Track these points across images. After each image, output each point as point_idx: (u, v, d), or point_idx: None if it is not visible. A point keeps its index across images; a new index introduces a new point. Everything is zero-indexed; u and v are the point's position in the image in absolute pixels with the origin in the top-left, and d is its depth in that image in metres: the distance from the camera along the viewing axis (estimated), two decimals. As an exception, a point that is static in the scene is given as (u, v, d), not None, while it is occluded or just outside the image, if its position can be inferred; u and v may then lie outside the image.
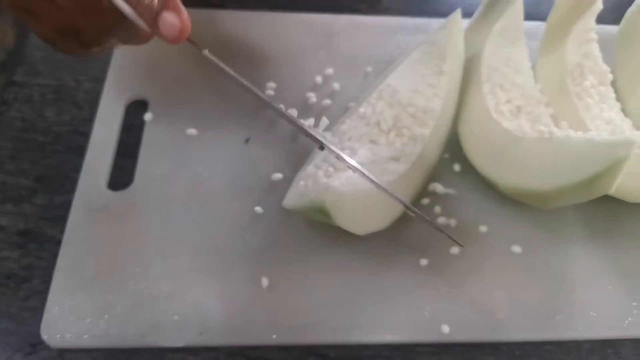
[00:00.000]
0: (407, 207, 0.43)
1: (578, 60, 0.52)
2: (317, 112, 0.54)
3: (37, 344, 0.41)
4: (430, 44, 0.50)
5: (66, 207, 0.46)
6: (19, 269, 0.45)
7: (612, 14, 0.59)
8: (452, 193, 0.49)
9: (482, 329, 0.43)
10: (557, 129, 0.46)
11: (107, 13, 0.36)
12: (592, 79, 0.51)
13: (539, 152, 0.44)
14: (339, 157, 0.41)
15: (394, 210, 0.44)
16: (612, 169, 0.39)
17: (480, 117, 0.48)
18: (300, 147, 0.50)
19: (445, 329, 0.42)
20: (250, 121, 0.52)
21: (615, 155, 0.38)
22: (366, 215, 0.43)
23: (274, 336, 0.41)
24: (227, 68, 0.39)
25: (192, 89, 0.53)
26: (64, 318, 0.41)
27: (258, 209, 0.47)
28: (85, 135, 0.50)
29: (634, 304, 0.45)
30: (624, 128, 0.49)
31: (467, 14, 0.52)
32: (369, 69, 0.56)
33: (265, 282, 0.43)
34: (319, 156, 0.47)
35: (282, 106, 0.41)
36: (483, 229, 0.47)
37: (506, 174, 0.46)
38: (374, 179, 0.41)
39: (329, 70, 0.56)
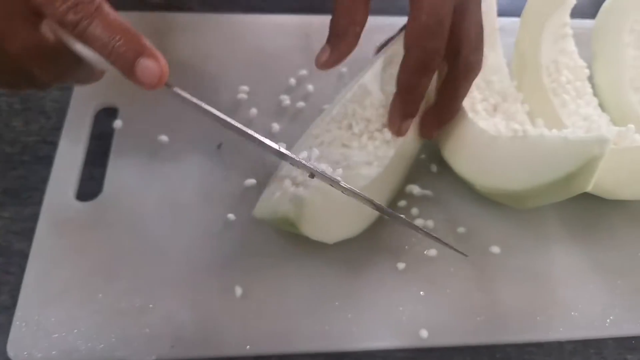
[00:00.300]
0: (409, 224, 0.43)
1: (553, 56, 0.52)
2: (291, 115, 0.53)
3: (4, 362, 0.40)
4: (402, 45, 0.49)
5: (34, 219, 0.45)
6: (-15, 285, 0.43)
7: (591, 9, 0.59)
8: (429, 194, 0.48)
9: (461, 333, 0.42)
10: (532, 128, 0.45)
11: (63, 59, 0.35)
12: (568, 75, 0.51)
13: (514, 151, 0.43)
14: (333, 184, 0.40)
15: (367, 217, 0.44)
16: (587, 167, 0.38)
17: (456, 117, 0.47)
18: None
19: (424, 333, 0.41)
20: (222, 126, 0.51)
21: (589, 154, 0.38)
22: (337, 224, 0.42)
23: (248, 347, 0.40)
24: (201, 104, 0.38)
25: (161, 92, 0.52)
26: (31, 334, 0.39)
27: (231, 216, 0.46)
28: (54, 144, 0.49)
29: (616, 302, 0.44)
30: (601, 124, 0.48)
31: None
32: (344, 69, 0.55)
33: (238, 290, 0.42)
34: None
35: (280, 146, 0.40)
36: (461, 230, 0.47)
37: (483, 175, 0.45)
38: (371, 203, 0.40)
39: (303, 72, 0.55)
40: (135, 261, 0.43)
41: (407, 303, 0.43)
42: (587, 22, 0.57)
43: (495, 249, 0.46)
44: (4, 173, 0.48)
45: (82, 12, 0.32)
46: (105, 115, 0.51)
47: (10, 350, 0.39)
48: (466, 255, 0.43)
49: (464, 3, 0.42)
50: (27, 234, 0.44)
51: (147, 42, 0.34)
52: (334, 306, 0.42)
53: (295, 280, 0.43)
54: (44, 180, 0.47)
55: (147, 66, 0.34)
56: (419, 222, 0.47)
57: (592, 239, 0.47)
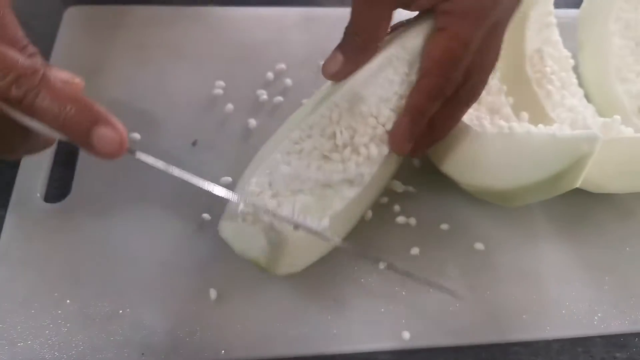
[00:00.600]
0: (399, 270, 0.41)
1: (537, 45, 0.50)
2: (269, 110, 0.51)
3: (-33, 373, 0.38)
4: (402, 47, 0.43)
5: (0, 222, 0.43)
6: (-51, 292, 0.42)
7: (574, -1, 0.58)
8: (411, 191, 0.47)
9: (444, 333, 0.41)
10: (518, 124, 0.43)
11: (10, 134, 0.32)
12: (553, 65, 0.50)
13: (500, 148, 0.41)
14: (317, 236, 0.39)
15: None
16: (576, 165, 0.37)
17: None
18: (251, 148, 0.47)
19: (406, 335, 0.40)
20: (197, 123, 0.49)
21: (579, 152, 0.36)
22: (311, 257, 0.41)
23: (223, 352, 0.39)
24: (170, 168, 0.36)
25: (134, 89, 0.50)
26: (-5, 343, 0.38)
27: (205, 215, 0.44)
28: (21, 144, 0.47)
29: (603, 298, 0.43)
30: (586, 115, 0.47)
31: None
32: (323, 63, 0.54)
33: (213, 293, 0.41)
34: (264, 163, 0.42)
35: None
36: (444, 227, 0.46)
37: (467, 172, 0.44)
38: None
39: (281, 66, 0.54)
40: (105, 264, 0.41)
41: (389, 304, 0.41)
42: (572, 12, 0.56)
43: (480, 246, 0.45)
44: (-31, 175, 0.46)
45: (25, 85, 0.29)
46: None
47: (-27, 360, 0.37)
48: (462, 299, 0.42)
49: (497, 27, 0.40)
50: (-7, 238, 0.42)
51: (102, 109, 0.31)
52: (313, 308, 0.41)
53: (272, 282, 0.41)
54: (10, 183, 0.45)
55: (104, 135, 0.31)
56: (401, 219, 0.45)
57: (579, 235, 0.46)
